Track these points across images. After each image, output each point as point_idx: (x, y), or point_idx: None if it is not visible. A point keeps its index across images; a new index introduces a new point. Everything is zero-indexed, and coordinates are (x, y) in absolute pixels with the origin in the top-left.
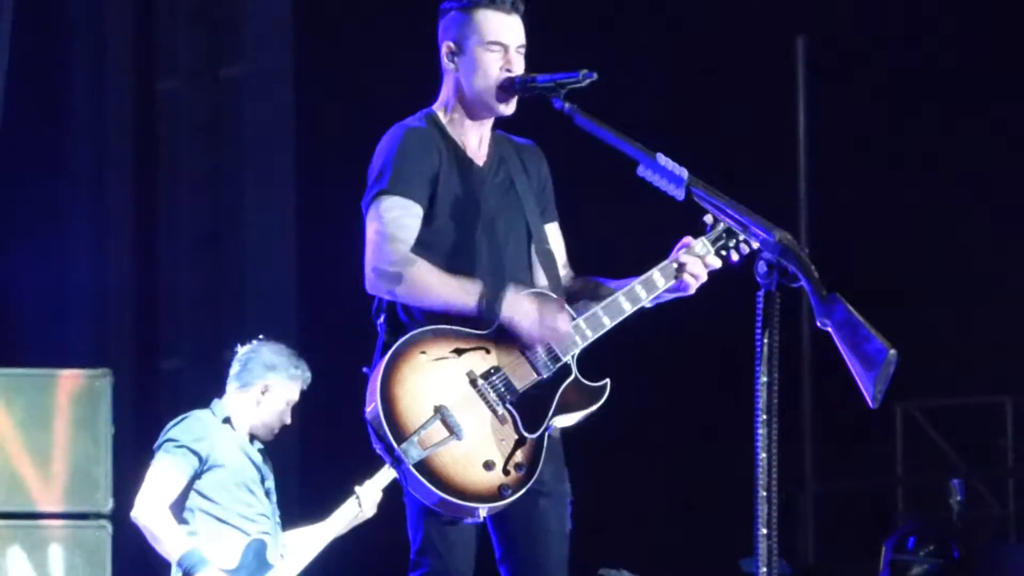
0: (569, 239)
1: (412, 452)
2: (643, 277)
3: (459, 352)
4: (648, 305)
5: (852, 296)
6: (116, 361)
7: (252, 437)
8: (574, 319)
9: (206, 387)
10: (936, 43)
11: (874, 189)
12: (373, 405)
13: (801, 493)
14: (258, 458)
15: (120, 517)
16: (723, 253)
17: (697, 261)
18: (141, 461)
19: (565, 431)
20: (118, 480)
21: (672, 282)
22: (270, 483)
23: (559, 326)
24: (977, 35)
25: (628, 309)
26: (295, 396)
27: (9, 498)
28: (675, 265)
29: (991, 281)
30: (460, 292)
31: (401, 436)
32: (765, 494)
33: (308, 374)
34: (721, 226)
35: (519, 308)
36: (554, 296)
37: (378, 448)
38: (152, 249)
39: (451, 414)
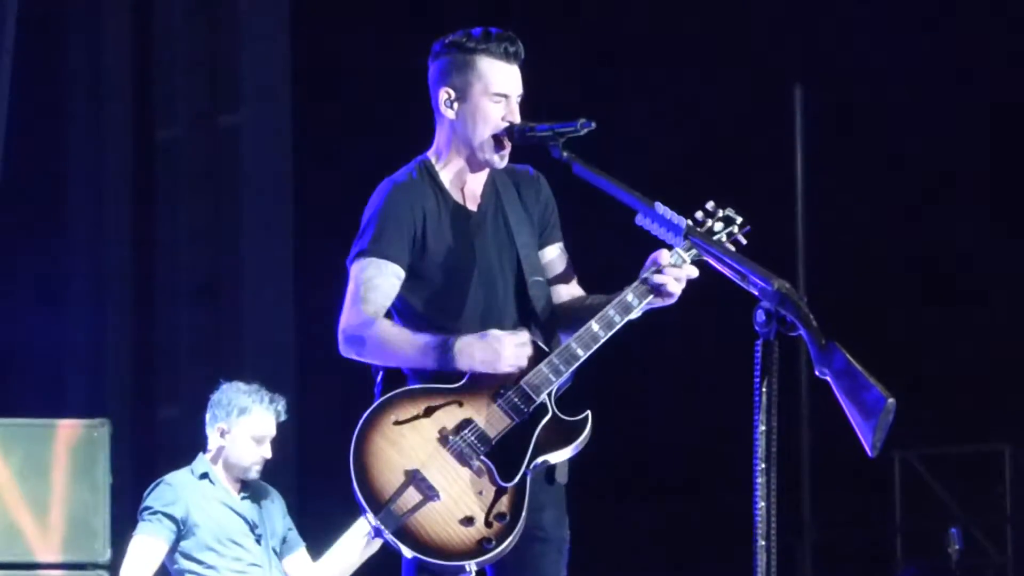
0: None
1: (389, 521)
2: (616, 300)
3: (429, 411)
4: (633, 317)
5: (850, 345)
6: (114, 410)
7: (243, 484)
8: (547, 352)
9: (204, 436)
10: (934, 89)
11: (872, 237)
12: (349, 476)
13: (799, 541)
14: (244, 507)
15: (118, 566)
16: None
17: (668, 276)
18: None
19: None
20: (116, 530)
21: (647, 299)
22: (262, 529)
23: (520, 351)
24: (974, 79)
25: (603, 336)
26: (261, 431)
27: (7, 548)
28: (650, 283)
29: (990, 329)
30: (415, 350)
31: (377, 506)
32: (764, 543)
33: (270, 404)
34: (700, 231)
35: (474, 346)
36: (503, 334)
37: (363, 515)
38: (150, 298)
39: (424, 476)
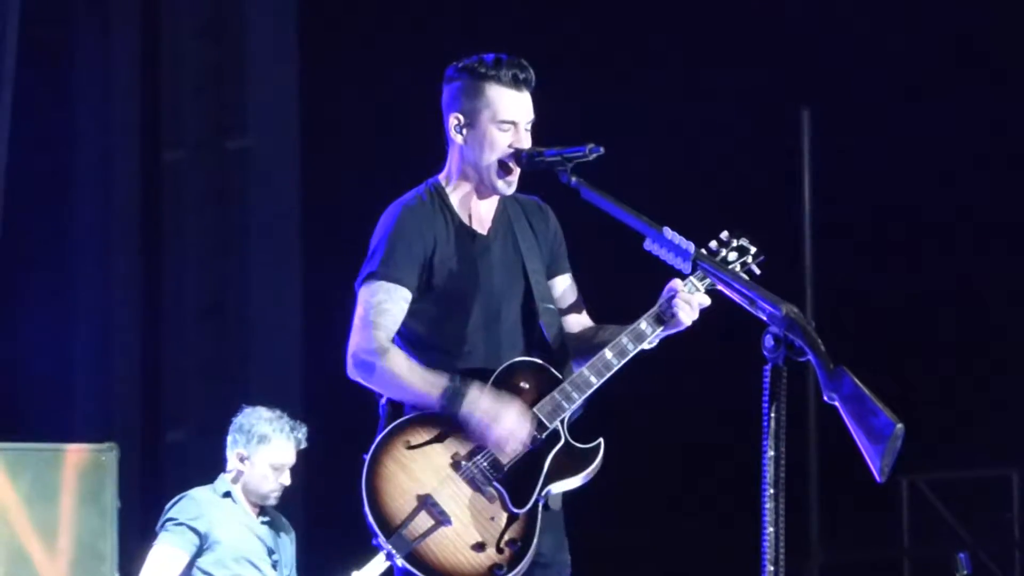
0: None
1: (400, 545)
2: (630, 328)
3: (442, 436)
4: (647, 347)
5: (858, 370)
6: (122, 434)
7: (262, 509)
8: (560, 381)
9: (211, 460)
10: (942, 116)
11: (880, 263)
12: (361, 502)
13: (807, 566)
14: (263, 531)
15: None
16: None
17: (684, 305)
18: (147, 534)
19: (564, 498)
20: (124, 554)
21: (660, 328)
22: (279, 555)
23: (516, 433)
24: (981, 107)
25: (616, 364)
26: (280, 459)
27: (15, 573)
28: (661, 313)
29: (998, 354)
30: (425, 386)
31: (388, 530)
32: (773, 568)
33: (291, 433)
34: (716, 260)
35: (478, 408)
36: (515, 398)
37: (373, 541)
38: (158, 321)
39: (436, 502)
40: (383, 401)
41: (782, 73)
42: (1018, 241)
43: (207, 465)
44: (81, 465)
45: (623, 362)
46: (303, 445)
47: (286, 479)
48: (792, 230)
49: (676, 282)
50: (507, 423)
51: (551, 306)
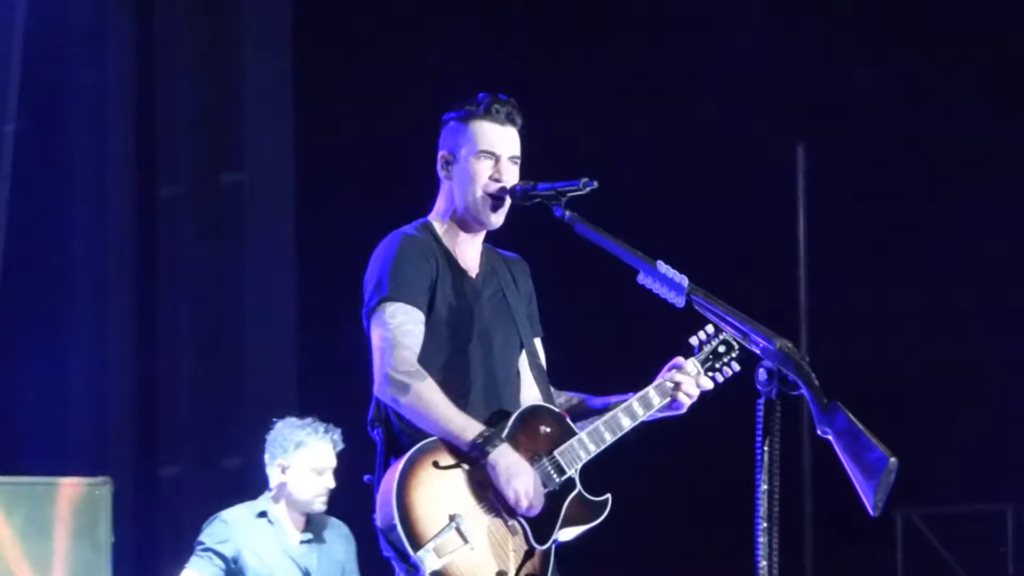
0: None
1: (428, 560)
2: (640, 394)
3: (469, 462)
4: (649, 416)
5: (852, 404)
6: (116, 468)
7: (307, 524)
8: (575, 432)
9: (206, 494)
10: (937, 148)
11: (874, 296)
12: (388, 513)
13: None
14: (300, 551)
15: None
16: (710, 375)
17: (691, 381)
18: (141, 568)
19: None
20: None
21: (667, 399)
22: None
23: (532, 497)
24: (977, 139)
25: (627, 426)
26: (321, 462)
27: None
28: (670, 384)
29: (992, 389)
30: (456, 426)
31: (417, 544)
32: None
33: (326, 434)
34: (708, 348)
35: (502, 462)
36: (533, 471)
37: (390, 555)
38: (152, 355)
39: (464, 523)
40: (375, 430)
41: (777, 108)
42: (1012, 274)
43: (202, 499)
44: (75, 499)
45: (632, 426)
46: (340, 447)
47: (330, 481)
48: (787, 265)
49: (679, 359)
50: (525, 482)
51: (539, 361)
